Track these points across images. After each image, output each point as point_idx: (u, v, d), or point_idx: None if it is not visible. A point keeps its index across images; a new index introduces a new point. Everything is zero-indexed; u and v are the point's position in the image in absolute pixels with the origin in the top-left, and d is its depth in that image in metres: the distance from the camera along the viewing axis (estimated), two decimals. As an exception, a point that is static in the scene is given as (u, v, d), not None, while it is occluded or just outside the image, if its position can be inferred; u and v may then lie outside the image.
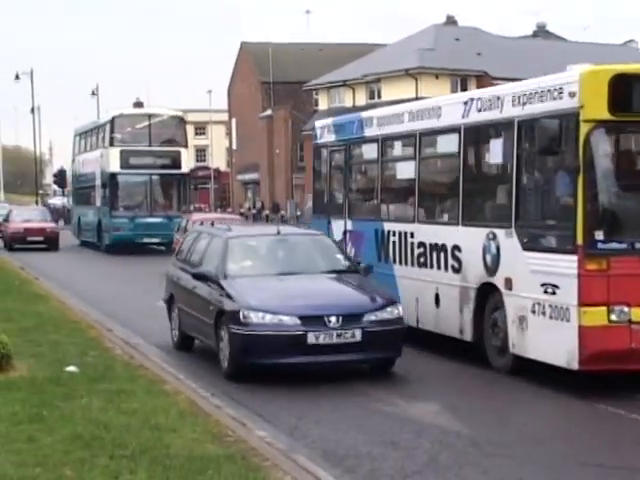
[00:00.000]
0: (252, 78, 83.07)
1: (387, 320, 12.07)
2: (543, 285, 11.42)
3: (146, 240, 37.44)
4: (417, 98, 46.50)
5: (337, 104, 64.08)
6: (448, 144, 13.94)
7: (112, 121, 38.74)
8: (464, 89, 52.80)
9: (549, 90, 11.43)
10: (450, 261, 13.63)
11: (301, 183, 70.55)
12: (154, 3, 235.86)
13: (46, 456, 7.96)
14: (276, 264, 13.32)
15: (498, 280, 12.41)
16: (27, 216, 40.86)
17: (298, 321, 11.67)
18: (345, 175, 17.47)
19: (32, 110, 71.64)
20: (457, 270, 13.47)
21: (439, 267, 13.93)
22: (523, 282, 11.86)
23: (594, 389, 11.28)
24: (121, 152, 37.87)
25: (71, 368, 11.78)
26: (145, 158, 38.03)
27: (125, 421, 9.13)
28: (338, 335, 11.68)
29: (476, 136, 13.43)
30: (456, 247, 13.51)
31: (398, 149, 15.83)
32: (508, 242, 12.18)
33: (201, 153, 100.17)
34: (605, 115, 10.77)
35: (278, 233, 13.92)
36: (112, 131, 38.47)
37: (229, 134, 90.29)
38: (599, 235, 10.80)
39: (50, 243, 39.00)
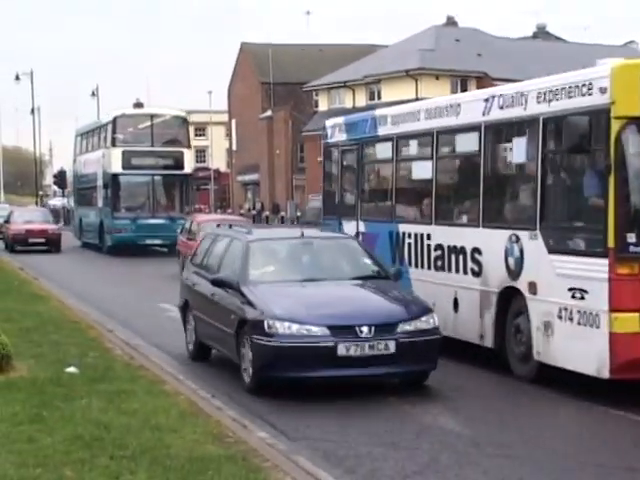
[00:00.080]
0: (252, 79, 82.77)
1: (423, 330, 11.29)
2: (571, 290, 10.98)
3: (148, 242, 36.86)
4: (417, 99, 46.25)
5: (337, 105, 63.81)
6: (468, 143, 13.48)
7: (114, 121, 38.20)
8: (464, 90, 52.72)
9: (577, 86, 10.97)
10: (470, 264, 13.19)
11: (301, 184, 70.35)
12: (154, 3, 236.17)
13: (46, 457, 7.96)
14: (301, 269, 12.50)
15: (521, 284, 11.98)
16: (29, 217, 40.40)
17: (327, 331, 10.85)
18: (357, 175, 17.01)
19: (32, 111, 71.52)
20: (477, 274, 13.03)
21: (458, 270, 13.50)
22: (548, 286, 11.43)
23: (594, 390, 11.00)
24: (123, 153, 37.38)
25: (71, 369, 11.69)
26: (147, 159, 37.56)
27: (125, 421, 9.13)
28: (370, 346, 10.87)
29: (498, 134, 12.97)
30: (476, 250, 13.07)
31: (414, 148, 15.35)
32: (532, 244, 11.74)
33: (201, 154, 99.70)
34: (638, 111, 10.31)
35: (302, 236, 13.09)
36: (114, 131, 37.96)
37: (229, 135, 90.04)
38: (631, 238, 10.36)
39: (52, 245, 38.57)
